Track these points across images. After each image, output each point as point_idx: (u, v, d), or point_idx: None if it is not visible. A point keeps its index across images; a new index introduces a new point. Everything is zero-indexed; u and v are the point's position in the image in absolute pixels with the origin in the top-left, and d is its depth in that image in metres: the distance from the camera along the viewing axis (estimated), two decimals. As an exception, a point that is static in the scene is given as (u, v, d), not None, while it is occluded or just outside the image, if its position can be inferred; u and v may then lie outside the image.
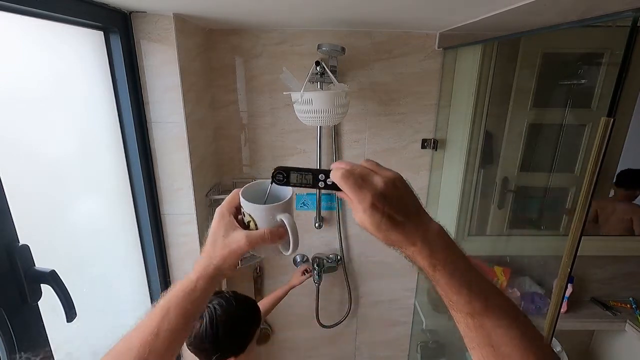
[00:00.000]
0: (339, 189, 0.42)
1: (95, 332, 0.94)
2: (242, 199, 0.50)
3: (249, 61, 1.40)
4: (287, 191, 0.52)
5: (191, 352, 0.92)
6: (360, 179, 0.40)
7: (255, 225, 0.50)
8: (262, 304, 1.39)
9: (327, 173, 0.44)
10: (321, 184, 0.45)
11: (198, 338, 0.89)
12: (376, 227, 0.39)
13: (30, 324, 0.69)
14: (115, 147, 1.07)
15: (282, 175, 0.46)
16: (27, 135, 0.76)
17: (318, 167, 0.42)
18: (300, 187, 0.46)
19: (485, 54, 1.28)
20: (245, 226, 0.51)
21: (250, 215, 0.50)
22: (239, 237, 0.48)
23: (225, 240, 0.48)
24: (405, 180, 0.42)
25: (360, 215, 0.40)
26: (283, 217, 0.49)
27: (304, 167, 0.46)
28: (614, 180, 1.58)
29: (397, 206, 0.39)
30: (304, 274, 1.58)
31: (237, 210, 0.52)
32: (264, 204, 0.50)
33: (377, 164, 0.43)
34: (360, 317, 1.87)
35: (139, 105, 1.08)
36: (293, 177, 0.46)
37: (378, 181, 0.39)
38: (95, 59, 0.97)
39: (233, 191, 0.52)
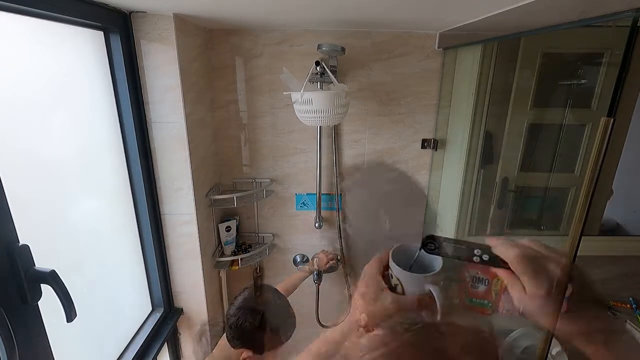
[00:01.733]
0: (494, 265, 0.41)
1: (96, 332, 0.94)
2: (392, 263, 0.51)
3: (249, 61, 1.40)
4: (437, 260, 0.51)
5: (236, 316, 0.96)
6: (536, 263, 0.38)
7: (402, 289, 0.51)
8: (286, 285, 1.40)
9: (484, 249, 0.42)
10: (476, 259, 0.43)
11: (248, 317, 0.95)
12: (545, 315, 0.38)
13: (30, 324, 0.69)
14: (115, 147, 1.07)
15: (434, 245, 0.45)
16: (27, 135, 0.76)
17: (467, 240, 0.43)
18: (451, 258, 0.45)
19: (485, 54, 1.28)
20: (391, 286, 0.52)
21: (398, 279, 0.51)
22: (390, 299, 0.50)
23: (377, 302, 0.50)
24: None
25: (529, 301, 0.38)
26: (432, 288, 0.49)
27: (458, 238, 0.45)
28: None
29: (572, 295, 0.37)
30: (327, 260, 1.56)
31: (385, 267, 0.53)
32: (410, 268, 0.51)
33: (543, 245, 0.40)
34: (360, 317, 1.86)
35: (139, 105, 1.08)
36: (445, 247, 0.45)
37: (554, 269, 0.37)
38: (95, 59, 0.97)
39: (384, 250, 0.53)
